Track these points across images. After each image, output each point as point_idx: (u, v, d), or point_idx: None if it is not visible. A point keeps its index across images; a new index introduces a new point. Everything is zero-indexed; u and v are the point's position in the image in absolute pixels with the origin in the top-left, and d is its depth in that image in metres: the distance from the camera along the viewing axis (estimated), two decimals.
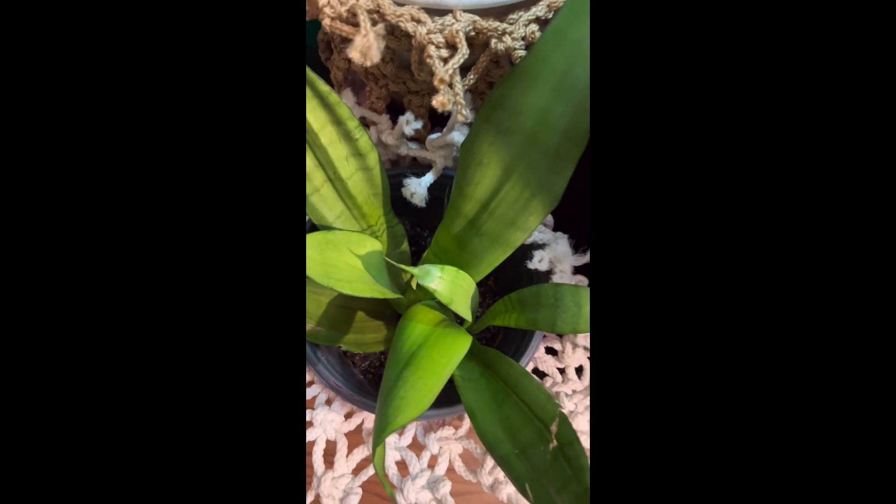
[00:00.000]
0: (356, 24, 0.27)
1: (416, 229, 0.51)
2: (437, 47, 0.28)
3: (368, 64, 0.26)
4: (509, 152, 0.27)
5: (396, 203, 0.40)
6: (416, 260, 0.45)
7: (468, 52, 0.28)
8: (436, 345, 0.32)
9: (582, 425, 0.37)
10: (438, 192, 0.40)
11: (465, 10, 0.30)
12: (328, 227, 0.38)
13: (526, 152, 0.27)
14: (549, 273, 0.38)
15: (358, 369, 0.48)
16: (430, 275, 0.31)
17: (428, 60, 0.28)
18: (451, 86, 0.27)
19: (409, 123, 0.36)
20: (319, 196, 0.37)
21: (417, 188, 0.39)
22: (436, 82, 0.27)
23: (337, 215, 0.38)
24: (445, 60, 0.28)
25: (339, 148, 0.34)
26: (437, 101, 0.27)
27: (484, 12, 0.31)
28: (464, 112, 0.28)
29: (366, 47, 0.26)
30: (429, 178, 0.40)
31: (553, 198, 0.28)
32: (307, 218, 0.41)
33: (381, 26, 0.27)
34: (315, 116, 0.32)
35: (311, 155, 0.34)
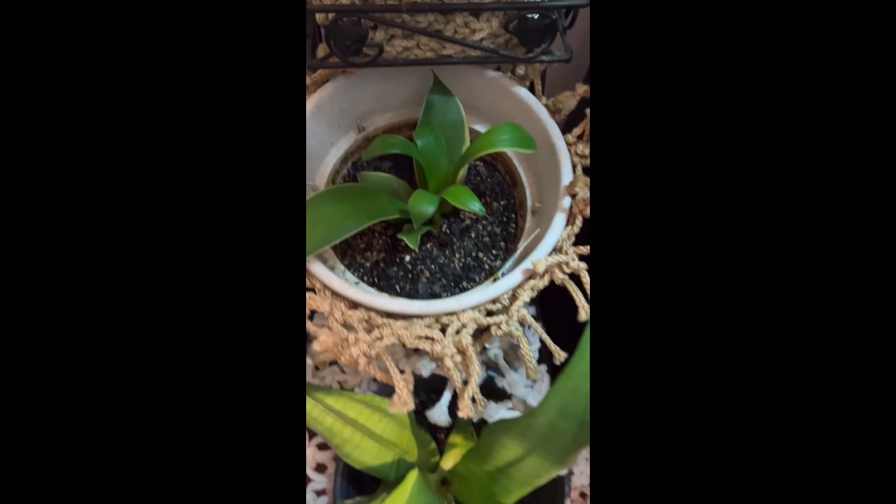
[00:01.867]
0: (386, 371, 0.33)
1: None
2: (452, 357, 0.35)
3: (405, 411, 0.33)
4: (524, 446, 0.33)
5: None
6: (439, 444, 0.52)
7: (478, 365, 0.34)
8: None
9: None
10: None
11: (466, 309, 0.37)
12: (368, 468, 0.44)
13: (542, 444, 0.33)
14: None
15: None
16: None
17: (447, 372, 0.34)
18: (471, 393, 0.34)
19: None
20: (360, 449, 0.42)
21: (440, 416, 0.45)
22: (460, 403, 0.33)
23: (374, 455, 0.44)
24: (462, 369, 0.34)
25: (371, 417, 0.40)
26: (464, 409, 0.33)
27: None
28: (482, 403, 0.35)
29: (403, 402, 0.32)
30: (446, 398, 0.46)
31: (565, 466, 0.34)
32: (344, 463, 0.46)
33: (409, 372, 0.33)
34: (350, 408, 0.38)
35: (349, 427, 0.40)
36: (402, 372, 0.46)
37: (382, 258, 0.48)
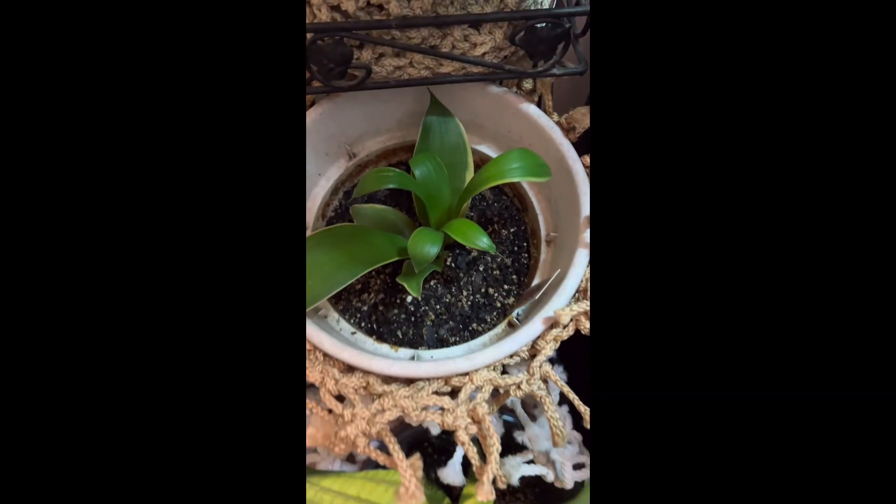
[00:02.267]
0: (389, 453, 0.28)
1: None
2: (466, 429, 0.30)
3: None
4: None
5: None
6: (452, 493, 0.47)
7: (495, 439, 0.29)
8: None
9: None
10: None
11: (480, 368, 0.32)
12: None
13: None
14: None
15: None
16: None
17: (462, 446, 0.29)
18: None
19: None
20: None
21: (454, 476, 0.40)
22: (478, 487, 0.28)
23: None
24: (480, 446, 0.29)
25: (375, 490, 0.35)
26: (483, 493, 0.28)
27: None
28: (504, 480, 0.30)
29: (411, 495, 0.27)
30: (458, 454, 0.42)
31: None
32: None
33: (417, 456, 0.28)
34: (350, 485, 0.33)
35: (351, 501, 0.35)
36: (409, 428, 0.41)
37: (381, 300, 0.43)
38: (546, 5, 0.36)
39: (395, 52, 0.35)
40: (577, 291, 0.34)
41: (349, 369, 0.32)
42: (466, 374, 0.32)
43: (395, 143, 0.46)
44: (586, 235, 0.35)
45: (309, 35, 0.32)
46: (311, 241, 0.35)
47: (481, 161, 0.47)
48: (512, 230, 0.45)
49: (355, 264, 0.33)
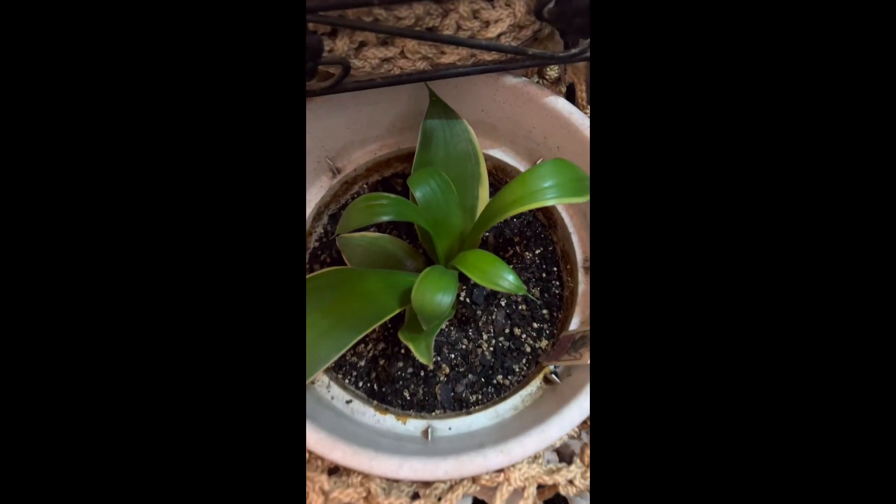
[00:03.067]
0: None
1: None
2: None
3: None
4: None
5: None
6: None
7: None
8: None
9: None
10: None
11: (519, 463, 0.24)
12: None
13: None
14: None
15: None
16: None
17: None
18: None
19: None
20: None
21: None
22: None
23: None
24: None
25: None
26: None
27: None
28: None
29: None
30: None
31: None
32: None
33: None
34: None
35: None
36: None
37: (382, 351, 0.34)
38: None
39: (380, 40, 0.26)
40: None
41: (344, 471, 0.24)
42: (502, 471, 0.24)
43: (388, 153, 0.37)
44: None
45: None
46: None
47: (495, 169, 0.38)
48: (537, 252, 0.37)
49: (346, 329, 0.25)
